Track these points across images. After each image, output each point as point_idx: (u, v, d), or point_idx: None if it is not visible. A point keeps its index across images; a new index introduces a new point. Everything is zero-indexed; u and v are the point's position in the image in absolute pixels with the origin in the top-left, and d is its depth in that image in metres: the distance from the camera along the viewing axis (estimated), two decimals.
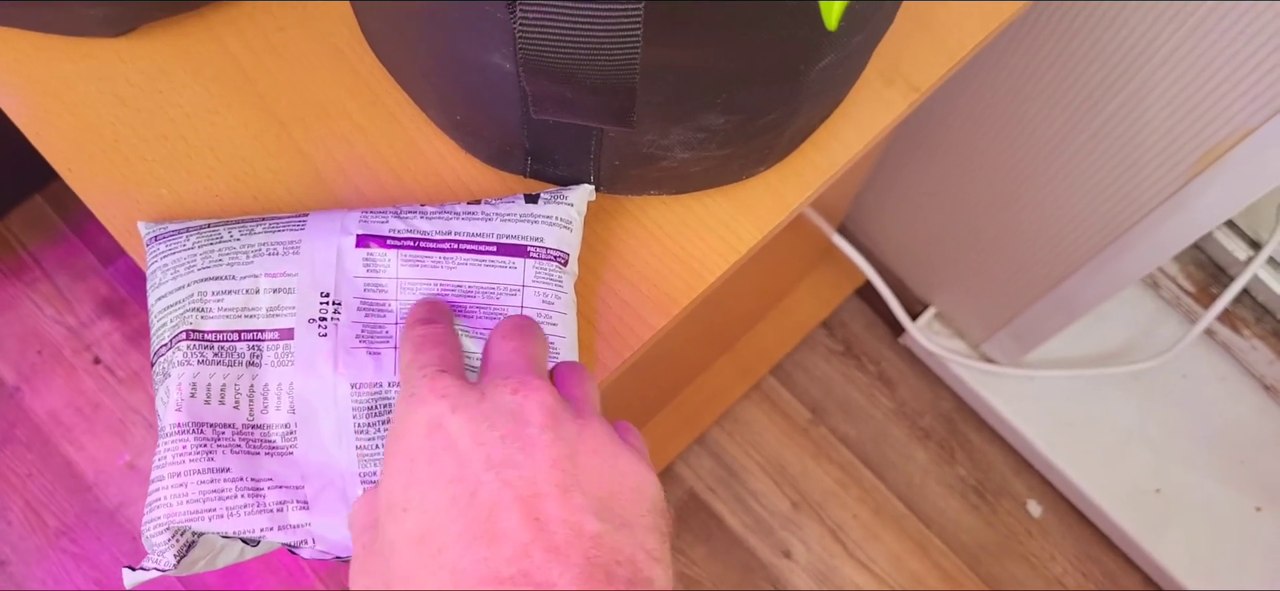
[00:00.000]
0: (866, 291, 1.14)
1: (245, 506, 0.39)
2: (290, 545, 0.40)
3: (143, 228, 0.44)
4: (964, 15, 0.50)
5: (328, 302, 0.41)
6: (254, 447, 0.40)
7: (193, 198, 0.46)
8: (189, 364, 0.40)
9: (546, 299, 0.42)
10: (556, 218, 0.42)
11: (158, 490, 0.39)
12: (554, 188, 0.44)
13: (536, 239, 0.42)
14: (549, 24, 0.24)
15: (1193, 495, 1.06)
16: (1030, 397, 1.09)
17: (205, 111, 0.46)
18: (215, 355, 0.40)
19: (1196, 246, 0.99)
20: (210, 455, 0.39)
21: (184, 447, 0.39)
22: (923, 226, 0.99)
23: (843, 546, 1.10)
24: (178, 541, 0.39)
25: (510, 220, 0.42)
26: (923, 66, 0.49)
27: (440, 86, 0.42)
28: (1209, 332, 1.05)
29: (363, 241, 0.41)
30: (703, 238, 0.46)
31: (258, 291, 0.41)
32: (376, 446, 0.40)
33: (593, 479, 0.30)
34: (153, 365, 0.41)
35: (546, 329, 0.42)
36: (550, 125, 0.40)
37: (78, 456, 1.09)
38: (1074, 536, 1.12)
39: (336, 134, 0.47)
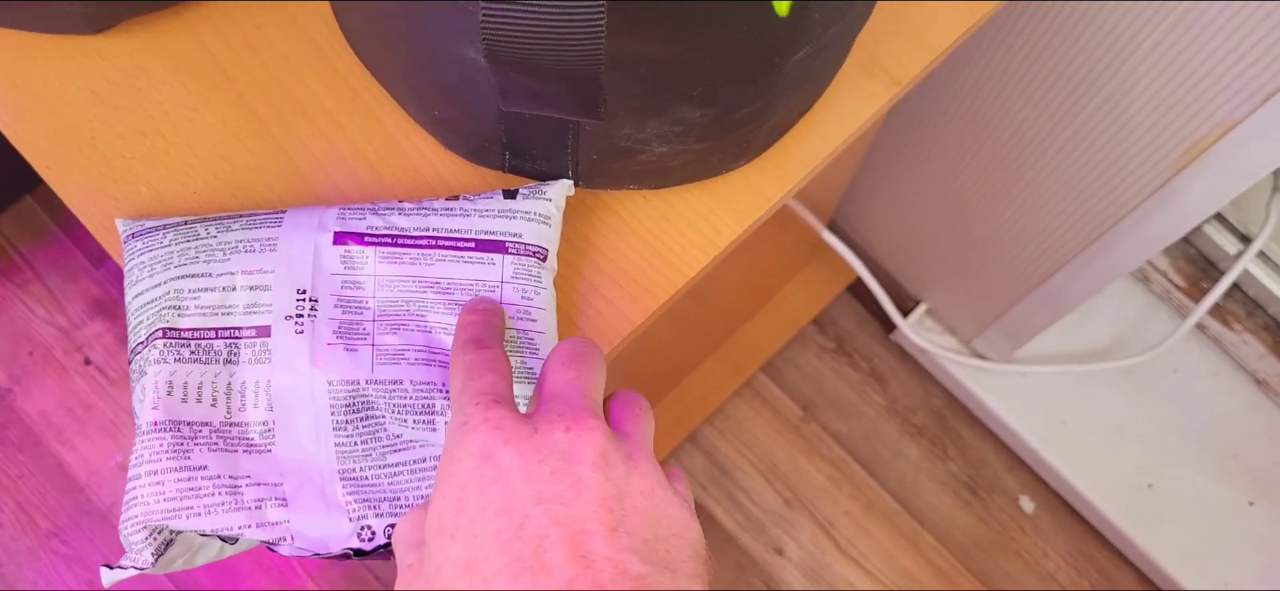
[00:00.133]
0: (858, 288, 1.14)
1: (222, 504, 0.39)
2: (268, 542, 0.40)
3: (120, 225, 0.43)
4: (944, 8, 0.50)
5: (304, 299, 0.41)
6: (232, 445, 0.40)
7: (172, 195, 0.45)
8: (165, 362, 0.39)
9: (525, 294, 0.42)
10: (535, 213, 0.42)
11: (135, 488, 0.39)
12: (533, 183, 0.44)
13: (515, 235, 0.42)
14: (512, 14, 0.24)
15: (1185, 490, 1.06)
16: (1022, 393, 1.09)
17: (184, 108, 0.46)
18: (192, 353, 0.40)
19: (1187, 241, 0.99)
20: (187, 453, 0.39)
21: (160, 446, 0.39)
22: (913, 223, 0.99)
23: (835, 543, 1.10)
24: (155, 539, 0.39)
25: (488, 216, 0.42)
26: (903, 59, 0.49)
27: (417, 82, 0.42)
28: (1200, 327, 1.05)
29: (340, 238, 0.41)
30: (682, 232, 0.46)
31: (234, 289, 0.41)
32: (355, 443, 0.40)
33: (639, 521, 0.30)
34: (130, 363, 0.41)
35: (525, 324, 0.42)
36: (526, 119, 0.39)
37: (69, 457, 1.09)
38: (1067, 532, 1.12)
39: (316, 131, 0.46)
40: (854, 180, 1.00)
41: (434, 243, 0.42)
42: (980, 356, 1.09)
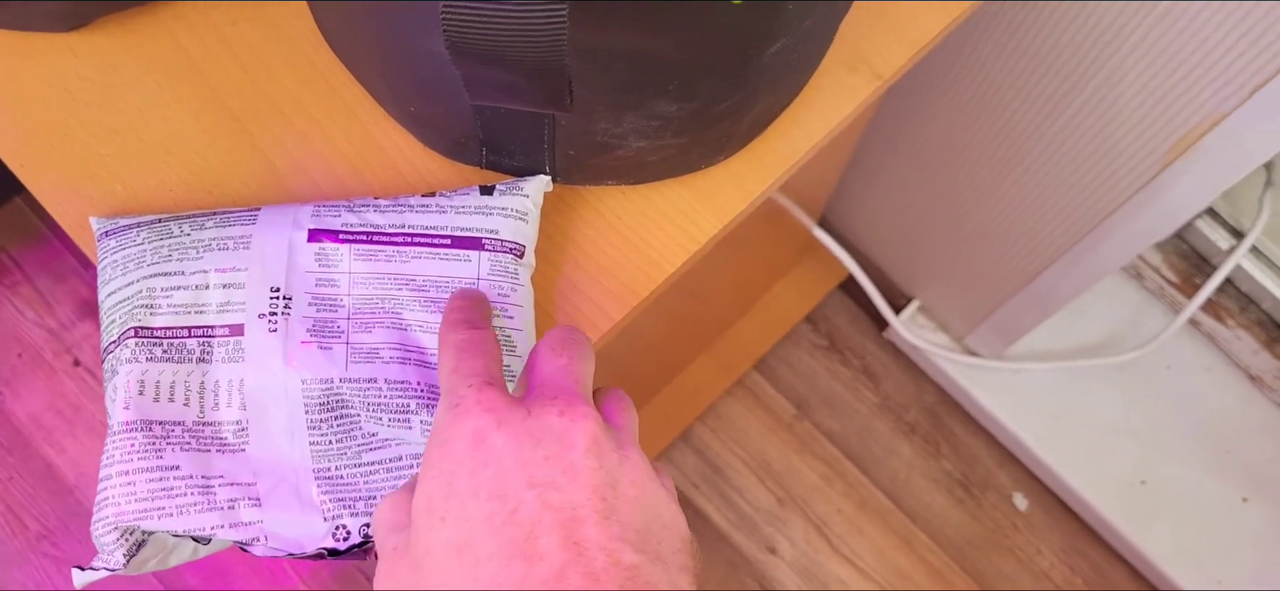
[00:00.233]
0: (850, 285, 1.14)
1: (195, 504, 0.39)
2: (241, 542, 0.39)
3: (94, 223, 0.43)
4: (925, 3, 0.49)
5: (278, 297, 0.40)
6: (205, 445, 0.39)
7: (147, 193, 0.45)
8: (137, 361, 0.39)
9: (502, 291, 0.41)
10: (511, 209, 0.42)
11: (106, 489, 0.38)
12: (510, 179, 0.44)
13: (491, 231, 0.41)
14: (473, 6, 0.24)
15: (1179, 486, 1.06)
16: (1015, 391, 1.09)
17: (158, 106, 0.46)
18: (164, 352, 0.39)
19: (1179, 236, 0.98)
20: (159, 453, 0.39)
21: (132, 446, 0.38)
22: (904, 219, 0.98)
23: (828, 542, 1.09)
24: (127, 540, 0.38)
25: (465, 212, 0.42)
26: (886, 53, 0.48)
27: (392, 78, 0.41)
28: (1193, 323, 1.05)
29: (314, 236, 0.41)
30: (662, 227, 0.45)
31: (208, 287, 0.40)
32: (329, 442, 0.40)
33: (632, 510, 0.30)
34: (103, 362, 0.41)
35: (502, 321, 0.41)
36: (502, 115, 0.39)
37: (59, 459, 1.08)
38: (1060, 529, 1.11)
39: (292, 128, 0.46)
40: (844, 177, 1.00)
41: (410, 240, 0.41)
42: (973, 353, 1.08)
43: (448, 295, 0.41)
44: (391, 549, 0.31)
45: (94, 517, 0.39)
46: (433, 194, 0.43)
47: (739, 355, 1.11)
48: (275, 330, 0.40)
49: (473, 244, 0.41)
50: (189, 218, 0.42)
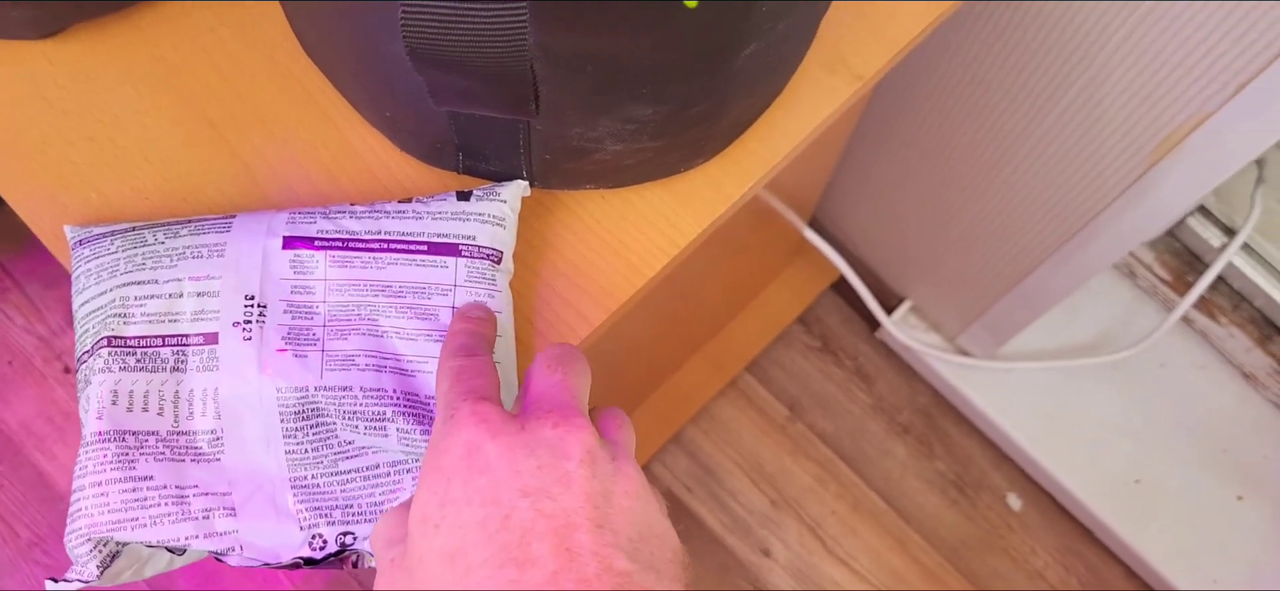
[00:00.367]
0: (842, 286, 1.14)
1: (169, 515, 0.38)
2: (216, 552, 0.39)
3: (69, 232, 0.43)
4: (904, 5, 0.49)
5: (252, 305, 0.40)
6: (179, 454, 0.39)
7: (122, 200, 0.45)
8: (110, 371, 0.39)
9: (479, 298, 0.41)
10: (489, 215, 0.42)
11: (79, 500, 0.38)
12: (488, 184, 0.43)
13: (468, 237, 0.41)
14: (431, 11, 0.24)
15: (1173, 485, 1.05)
16: (1008, 390, 1.08)
17: (134, 113, 0.46)
18: (138, 361, 0.39)
19: (1171, 234, 0.98)
20: (132, 464, 0.38)
21: (104, 456, 0.38)
22: (895, 220, 0.98)
23: (821, 543, 1.09)
24: (100, 552, 0.38)
25: (441, 218, 0.42)
26: (865, 54, 0.48)
27: (367, 83, 0.41)
28: (1186, 321, 1.04)
29: (289, 243, 0.41)
30: (642, 231, 0.45)
31: (182, 295, 0.40)
32: (305, 450, 0.40)
33: (625, 520, 0.30)
34: (76, 372, 0.40)
35: None
36: (476, 120, 0.39)
37: (50, 466, 1.08)
38: (1055, 529, 1.11)
39: (269, 135, 0.46)
40: (834, 177, 1.00)
41: (386, 246, 0.41)
42: (965, 353, 1.08)
43: (424, 302, 0.40)
44: (388, 561, 0.32)
45: (67, 529, 0.38)
46: (409, 200, 0.42)
47: (731, 357, 1.11)
48: (250, 338, 0.39)
49: (449, 250, 0.41)
50: (163, 226, 0.42)
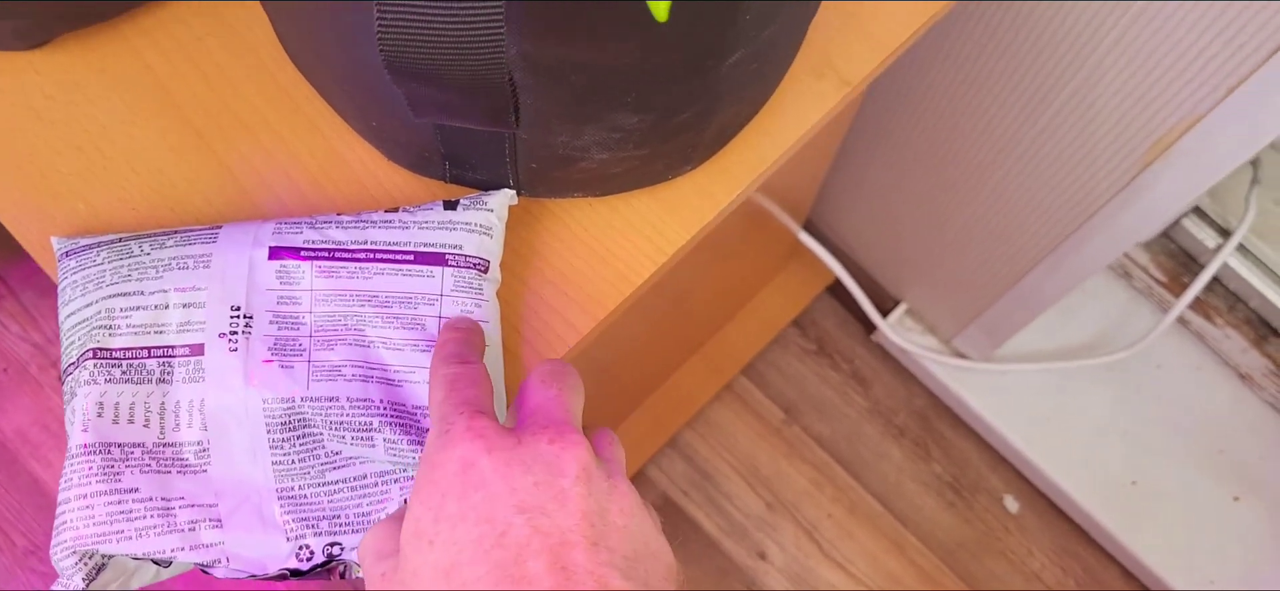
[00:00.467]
0: (838, 289, 1.14)
1: (154, 527, 0.38)
2: (202, 564, 0.39)
3: (55, 243, 0.43)
4: (893, 9, 0.49)
5: (238, 316, 0.40)
6: (165, 466, 0.39)
7: (109, 211, 0.45)
8: (95, 383, 0.39)
9: (466, 308, 0.41)
10: (475, 224, 0.42)
11: (64, 513, 0.38)
12: (475, 193, 0.43)
13: (455, 246, 0.41)
14: (407, 23, 0.24)
15: (1169, 486, 1.05)
16: (1004, 392, 1.08)
17: (122, 123, 0.46)
18: (123, 373, 0.39)
19: (1166, 235, 0.98)
20: (118, 476, 0.38)
21: (90, 469, 0.38)
22: (889, 222, 0.98)
23: (818, 546, 1.09)
24: (86, 564, 0.38)
25: (428, 228, 0.41)
26: (854, 60, 0.48)
27: (353, 92, 0.41)
28: (1182, 322, 1.04)
29: (276, 253, 0.41)
30: (629, 239, 0.45)
31: (168, 307, 0.40)
32: (292, 461, 0.39)
33: (620, 538, 0.30)
34: (62, 385, 0.40)
35: None
36: (460, 130, 0.39)
37: (45, 474, 1.08)
38: (1052, 531, 1.11)
39: (256, 144, 0.46)
40: (828, 180, 0.99)
41: (372, 256, 0.41)
42: (961, 355, 1.08)
43: (411, 312, 0.40)
44: (379, 574, 0.31)
45: (53, 541, 0.38)
46: (396, 209, 0.42)
47: (727, 360, 1.11)
48: (236, 350, 0.39)
49: (436, 260, 0.41)
50: (149, 237, 0.42)
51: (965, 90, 0.74)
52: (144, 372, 0.39)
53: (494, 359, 0.42)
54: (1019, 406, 1.08)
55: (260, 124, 0.46)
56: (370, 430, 0.39)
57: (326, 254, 0.41)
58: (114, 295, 0.40)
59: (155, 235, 0.42)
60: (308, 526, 0.39)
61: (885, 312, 1.09)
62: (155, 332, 0.40)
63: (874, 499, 1.11)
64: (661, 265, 0.45)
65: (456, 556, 0.29)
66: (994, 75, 0.70)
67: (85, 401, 0.39)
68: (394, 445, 0.39)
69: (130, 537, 0.38)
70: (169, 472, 0.39)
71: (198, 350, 0.39)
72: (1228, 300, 1.00)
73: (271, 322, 0.40)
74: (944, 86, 0.75)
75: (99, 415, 0.38)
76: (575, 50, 0.32)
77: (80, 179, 0.45)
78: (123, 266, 0.40)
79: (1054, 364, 1.04)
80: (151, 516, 0.38)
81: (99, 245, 0.41)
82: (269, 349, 0.40)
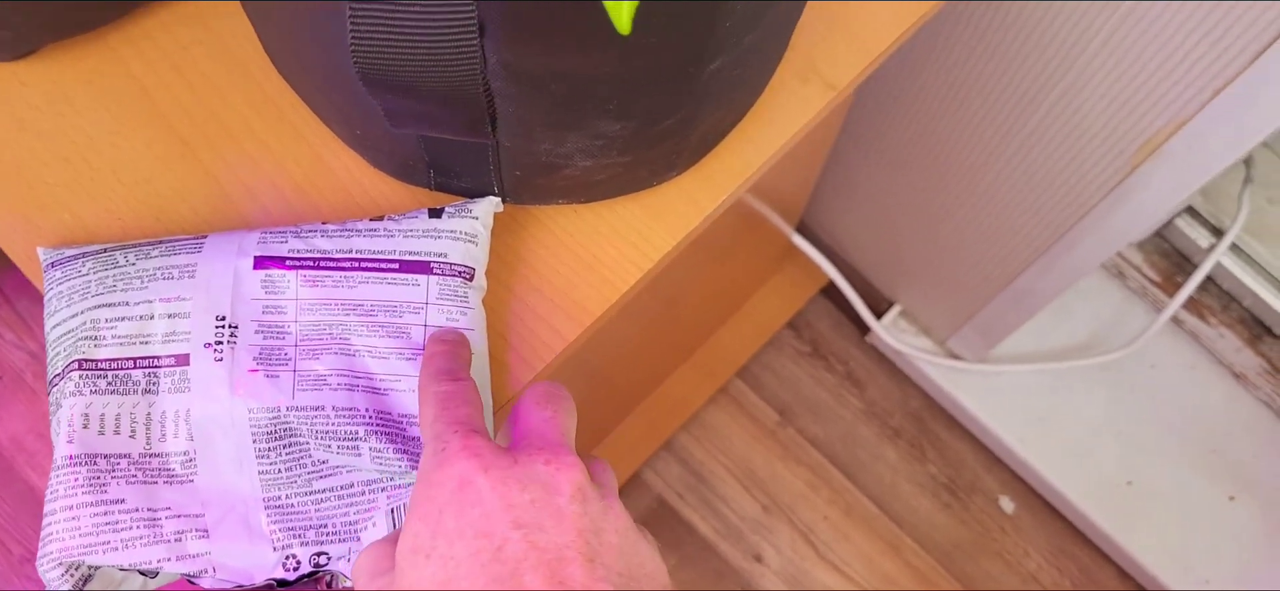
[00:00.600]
0: (832, 291, 1.14)
1: (140, 538, 0.38)
2: (189, 575, 0.39)
3: (41, 254, 0.43)
4: (879, 13, 0.49)
5: (223, 326, 0.40)
6: (151, 477, 0.39)
7: (96, 221, 0.45)
8: (81, 394, 0.39)
9: (451, 316, 0.41)
10: (460, 232, 0.42)
11: (50, 524, 0.38)
12: (460, 201, 0.43)
13: (440, 255, 0.41)
14: (380, 33, 0.24)
15: (1165, 486, 1.05)
16: (999, 393, 1.08)
17: (108, 134, 0.46)
18: (109, 384, 0.39)
19: (1160, 235, 0.98)
20: (103, 487, 0.38)
21: (75, 480, 0.38)
22: (882, 224, 0.98)
23: (814, 548, 1.09)
24: (73, 576, 0.38)
25: (413, 236, 0.41)
26: (839, 65, 0.48)
27: (335, 100, 0.41)
28: (1176, 321, 1.04)
29: (261, 263, 0.41)
30: (615, 245, 0.45)
31: (153, 317, 0.40)
32: (279, 470, 0.39)
33: (615, 555, 0.30)
34: (48, 396, 0.40)
35: None
36: (442, 138, 0.39)
37: (41, 482, 1.08)
38: (1047, 532, 1.11)
39: (242, 153, 0.46)
40: (821, 182, 1.00)
41: (357, 264, 0.41)
42: (956, 357, 1.08)
43: (396, 321, 0.40)
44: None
45: (39, 553, 0.38)
46: (381, 218, 0.42)
47: (721, 363, 1.11)
48: (221, 359, 0.39)
49: (421, 268, 0.41)
50: (135, 247, 0.42)
51: (954, 91, 0.74)
52: (129, 383, 0.39)
53: (480, 367, 0.42)
54: (1014, 407, 1.08)
55: (246, 132, 0.46)
56: (356, 439, 0.39)
57: (312, 263, 0.41)
58: (99, 306, 0.40)
59: (140, 245, 0.42)
60: (294, 536, 0.40)
61: (879, 314, 1.09)
62: (140, 343, 0.40)
63: (869, 500, 1.11)
64: (647, 271, 0.45)
65: (454, 570, 0.29)
66: (983, 77, 0.70)
67: (70, 412, 0.39)
68: (380, 454, 0.39)
69: (117, 548, 0.38)
70: (155, 483, 0.39)
71: (183, 360, 0.40)
72: (1221, 299, 1.00)
73: (257, 332, 0.40)
74: (935, 88, 0.76)
75: (84, 426, 0.38)
76: (554, 58, 0.32)
77: (67, 189, 0.45)
78: (108, 277, 0.40)
79: (1048, 364, 1.04)
80: (138, 527, 0.38)
81: (84, 256, 0.41)
82: (254, 358, 0.40)
